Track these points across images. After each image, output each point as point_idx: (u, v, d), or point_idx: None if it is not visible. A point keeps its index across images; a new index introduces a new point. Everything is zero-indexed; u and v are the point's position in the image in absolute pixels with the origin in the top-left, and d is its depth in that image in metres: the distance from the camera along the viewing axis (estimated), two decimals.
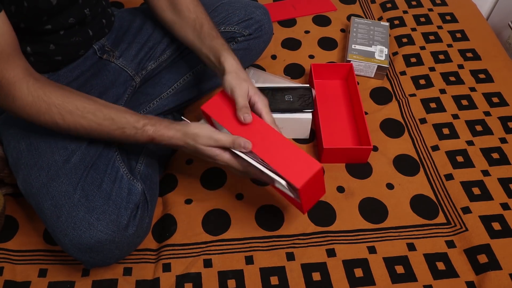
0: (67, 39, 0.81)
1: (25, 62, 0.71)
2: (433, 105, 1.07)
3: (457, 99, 1.08)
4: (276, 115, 0.94)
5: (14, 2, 0.69)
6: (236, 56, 0.82)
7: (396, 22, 1.28)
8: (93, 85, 0.86)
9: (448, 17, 1.29)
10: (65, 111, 0.69)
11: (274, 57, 1.20)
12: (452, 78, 1.12)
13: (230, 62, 0.80)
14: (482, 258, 0.80)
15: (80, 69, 0.87)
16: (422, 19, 1.28)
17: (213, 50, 0.83)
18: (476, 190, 0.91)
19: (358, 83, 1.10)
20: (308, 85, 1.02)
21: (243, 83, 0.77)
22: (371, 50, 1.15)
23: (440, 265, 0.81)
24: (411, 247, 0.83)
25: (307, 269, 0.81)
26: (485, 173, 0.93)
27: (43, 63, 0.82)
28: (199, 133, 0.71)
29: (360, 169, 0.95)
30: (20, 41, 0.76)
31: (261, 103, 0.77)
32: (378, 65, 1.12)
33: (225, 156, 0.73)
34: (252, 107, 0.77)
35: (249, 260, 0.82)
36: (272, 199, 0.90)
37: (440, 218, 0.88)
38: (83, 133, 0.72)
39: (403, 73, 1.14)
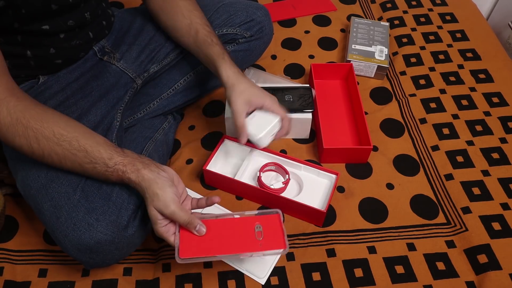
0: (67, 43, 0.81)
1: (9, 81, 0.69)
2: (433, 105, 1.07)
3: (457, 99, 1.08)
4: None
5: (11, 6, 0.70)
6: (233, 63, 0.83)
7: (396, 22, 1.28)
8: (93, 87, 0.86)
9: (448, 17, 1.29)
10: (42, 136, 0.67)
11: (274, 57, 1.20)
12: (452, 78, 1.12)
13: (226, 74, 0.81)
14: (482, 258, 0.80)
15: (80, 70, 0.87)
16: (422, 19, 1.28)
17: (210, 59, 0.84)
18: (476, 190, 0.90)
19: (358, 83, 1.10)
20: (308, 85, 1.02)
21: (240, 98, 0.80)
22: (371, 50, 1.15)
23: (440, 265, 0.81)
24: (411, 247, 0.83)
25: (307, 269, 0.80)
26: (485, 173, 0.93)
27: (43, 66, 0.82)
28: (159, 196, 0.67)
29: (360, 169, 0.95)
30: (20, 44, 0.76)
31: (268, 102, 0.81)
32: (378, 65, 1.12)
33: (160, 229, 0.68)
34: (262, 109, 0.82)
35: None
36: None
37: (440, 218, 0.88)
38: (56, 161, 0.69)
39: (403, 73, 1.14)
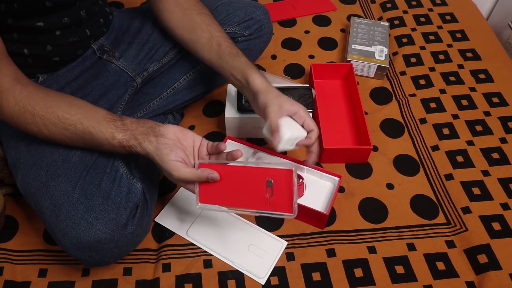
0: (64, 40, 0.81)
1: (13, 68, 0.71)
2: (433, 105, 1.07)
3: (457, 99, 1.08)
4: None
5: (3, 1, 0.70)
6: (261, 73, 0.82)
7: (396, 22, 1.28)
8: (93, 86, 0.86)
9: (448, 17, 1.29)
10: (49, 122, 0.70)
11: (274, 57, 1.20)
12: (452, 78, 1.12)
13: (260, 81, 0.81)
14: (482, 258, 0.80)
15: (79, 69, 0.87)
16: (422, 19, 1.28)
17: (238, 69, 0.83)
18: (476, 190, 0.90)
19: (358, 83, 1.10)
20: (308, 85, 1.02)
21: (274, 100, 0.79)
22: (371, 50, 1.15)
23: (440, 265, 0.81)
24: (411, 247, 0.83)
25: (307, 269, 0.80)
26: (485, 173, 0.93)
27: (41, 64, 0.82)
28: (162, 167, 0.69)
29: (360, 169, 0.95)
30: (17, 42, 0.77)
31: (302, 111, 0.80)
32: (378, 65, 1.12)
33: (184, 187, 0.72)
34: (295, 115, 0.80)
35: None
36: None
37: (440, 218, 0.88)
38: (69, 143, 0.73)
39: (403, 73, 1.14)
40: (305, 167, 0.91)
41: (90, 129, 0.70)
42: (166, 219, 0.87)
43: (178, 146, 0.70)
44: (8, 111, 0.69)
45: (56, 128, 0.70)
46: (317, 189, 0.90)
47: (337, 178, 0.89)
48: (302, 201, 0.86)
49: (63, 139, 0.71)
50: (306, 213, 0.84)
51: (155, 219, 0.86)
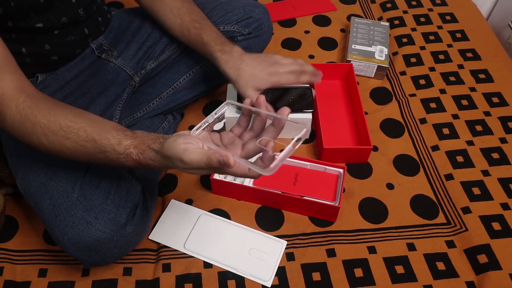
0: (62, 39, 0.81)
1: (19, 76, 0.68)
2: (433, 105, 1.07)
3: (457, 99, 1.08)
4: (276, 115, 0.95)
5: (1, 3, 0.70)
6: (229, 51, 0.85)
7: (396, 22, 1.28)
8: (92, 84, 0.86)
9: (448, 17, 1.29)
10: (50, 131, 0.65)
11: None
12: (452, 78, 1.12)
13: (224, 72, 0.85)
14: (482, 258, 0.80)
15: (78, 68, 0.87)
16: (422, 19, 1.28)
17: (208, 58, 0.88)
18: (476, 190, 0.90)
19: (358, 83, 1.10)
20: (308, 85, 1.02)
21: (247, 90, 0.84)
22: (371, 50, 1.15)
23: (440, 265, 0.81)
24: (411, 247, 0.83)
25: (307, 269, 0.80)
26: (485, 173, 0.93)
27: (40, 63, 0.82)
28: (171, 156, 0.58)
29: (360, 169, 0.95)
30: (15, 42, 0.76)
31: (275, 81, 0.86)
32: (378, 65, 1.12)
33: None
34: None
35: None
36: None
37: (440, 218, 0.88)
38: (69, 155, 0.67)
39: (403, 73, 1.14)
40: (308, 163, 0.91)
41: (94, 136, 0.64)
42: (160, 235, 0.85)
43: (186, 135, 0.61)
44: (10, 121, 0.65)
45: (56, 137, 0.65)
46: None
47: (341, 170, 0.90)
48: (313, 196, 0.87)
49: (62, 149, 0.66)
50: (317, 208, 0.85)
51: (149, 237, 0.85)
